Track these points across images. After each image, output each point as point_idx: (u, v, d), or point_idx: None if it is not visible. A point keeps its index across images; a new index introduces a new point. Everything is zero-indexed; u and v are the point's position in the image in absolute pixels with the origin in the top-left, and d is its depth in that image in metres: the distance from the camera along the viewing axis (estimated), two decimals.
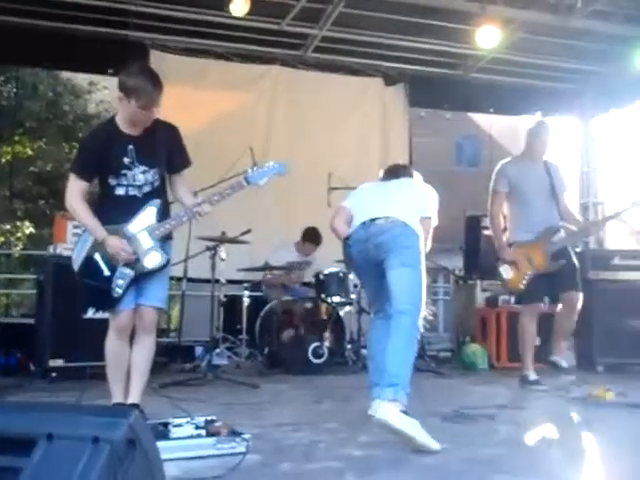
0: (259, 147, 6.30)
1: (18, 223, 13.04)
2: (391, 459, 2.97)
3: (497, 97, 9.42)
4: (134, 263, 3.49)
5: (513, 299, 6.29)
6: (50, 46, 7.42)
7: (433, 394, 4.86)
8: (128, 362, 3.61)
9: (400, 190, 4.04)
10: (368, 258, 3.78)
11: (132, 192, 3.52)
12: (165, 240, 3.64)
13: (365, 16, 7.48)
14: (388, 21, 7.61)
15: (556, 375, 5.25)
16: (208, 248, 6.00)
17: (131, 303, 3.54)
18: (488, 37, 7.13)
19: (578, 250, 7.38)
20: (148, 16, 7.37)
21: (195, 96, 7.79)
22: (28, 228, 12.99)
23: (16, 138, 12.20)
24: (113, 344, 3.58)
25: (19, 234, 13.24)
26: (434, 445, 3.03)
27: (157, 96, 3.45)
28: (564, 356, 5.38)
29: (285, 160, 3.99)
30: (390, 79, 8.86)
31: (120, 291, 3.48)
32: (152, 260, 3.54)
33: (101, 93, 11.59)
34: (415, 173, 4.36)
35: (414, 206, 3.87)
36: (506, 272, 5.37)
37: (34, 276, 6.98)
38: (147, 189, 3.55)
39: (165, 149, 3.61)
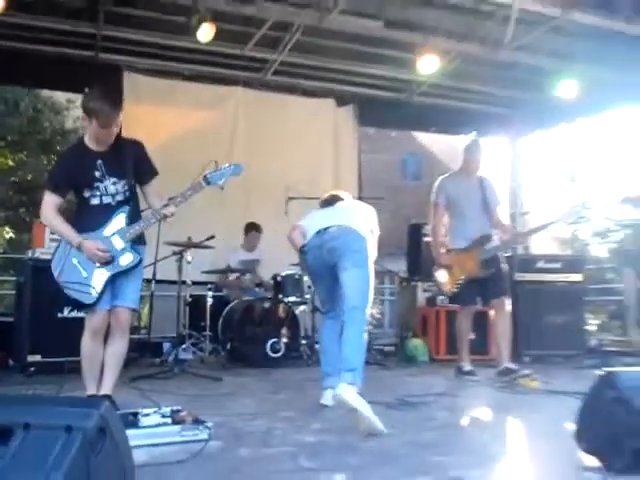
0: (223, 161, 6.20)
1: None
2: (340, 444, 2.99)
3: (437, 118, 9.54)
4: (109, 263, 3.47)
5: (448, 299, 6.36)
6: (30, 66, 7.26)
7: (378, 384, 4.89)
8: (101, 359, 3.57)
9: (347, 208, 4.32)
10: (322, 263, 3.92)
11: (106, 200, 3.54)
12: (138, 244, 3.65)
13: (319, 44, 7.51)
14: (340, 49, 7.66)
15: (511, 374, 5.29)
16: (175, 252, 5.98)
17: (106, 304, 3.52)
18: (429, 65, 7.21)
19: (507, 255, 7.55)
20: (120, 40, 7.28)
21: (165, 114, 7.74)
22: (8, 233, 12.72)
23: None
24: (88, 344, 3.56)
25: None
26: (381, 427, 3.10)
27: (115, 116, 3.46)
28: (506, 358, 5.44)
29: (244, 174, 4.05)
30: (341, 100, 8.89)
31: (96, 293, 3.45)
32: (126, 259, 3.55)
33: (78, 110, 11.39)
34: (347, 194, 4.62)
35: (361, 218, 4.09)
36: (441, 276, 5.46)
37: (13, 278, 6.82)
38: (120, 198, 3.57)
39: (132, 162, 3.62)
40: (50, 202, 3.50)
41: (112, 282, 3.52)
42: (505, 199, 10.17)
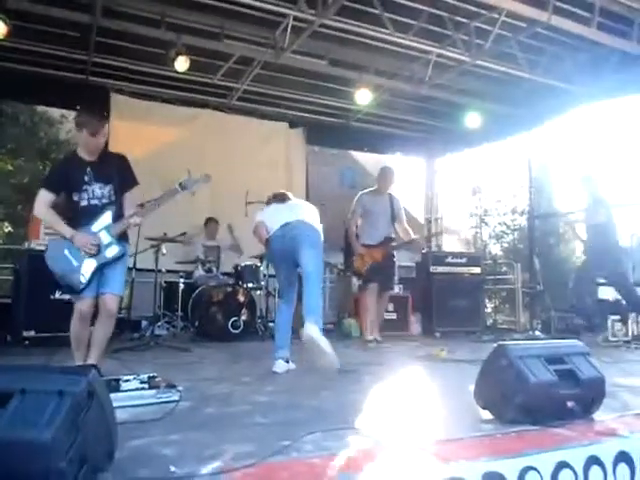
0: (194, 170, 6.08)
1: None
2: (288, 403, 2.97)
3: (369, 140, 9.63)
4: (97, 254, 3.37)
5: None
6: (29, 86, 7.00)
7: None
8: (88, 338, 3.47)
9: (298, 206, 4.34)
10: (284, 249, 3.98)
11: (93, 202, 3.45)
12: (122, 240, 3.53)
13: (276, 76, 7.49)
14: (293, 81, 7.66)
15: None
16: (153, 245, 5.85)
17: (93, 292, 3.40)
18: (364, 97, 7.29)
19: (423, 251, 7.70)
20: (108, 66, 7.08)
21: (145, 130, 7.55)
22: (7, 228, 12.25)
23: None
24: (77, 326, 3.42)
25: None
26: (337, 361, 3.37)
27: (101, 126, 3.43)
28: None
29: (212, 182, 4.07)
30: (293, 123, 8.87)
31: (85, 280, 3.34)
32: (111, 251, 3.44)
33: (70, 124, 11.04)
34: (291, 195, 4.61)
35: (311, 215, 4.19)
36: (356, 261, 5.90)
37: (11, 265, 6.53)
38: (105, 200, 3.47)
39: (116, 172, 3.53)
40: (43, 198, 3.40)
41: (100, 272, 3.41)
42: (422, 207, 10.41)
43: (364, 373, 4.00)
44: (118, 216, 3.49)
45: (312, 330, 3.45)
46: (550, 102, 7.68)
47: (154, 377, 3.01)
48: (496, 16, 5.90)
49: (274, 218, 4.17)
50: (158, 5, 5.68)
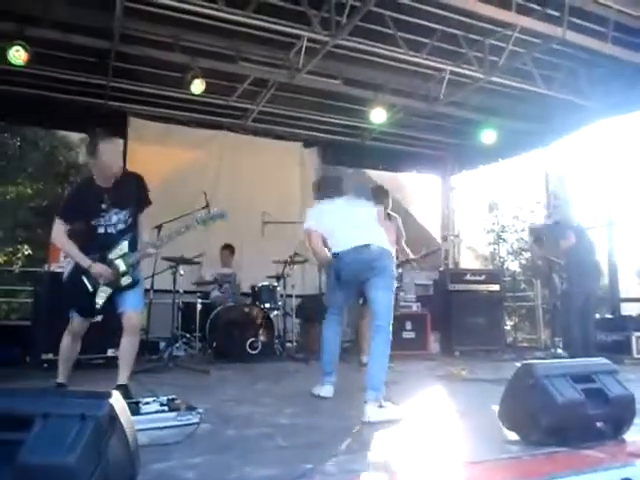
0: (209, 191, 6.20)
1: (19, 246, 12.51)
2: (309, 425, 2.94)
3: (385, 158, 9.62)
4: (113, 282, 3.44)
5: None
6: (48, 111, 7.17)
7: (344, 376, 4.83)
8: (76, 355, 3.63)
9: (364, 215, 3.78)
10: (356, 275, 3.56)
11: (109, 230, 3.50)
12: (136, 266, 3.57)
13: (291, 97, 7.57)
14: (307, 101, 7.73)
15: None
16: (171, 267, 5.87)
17: (100, 316, 3.55)
18: (378, 116, 7.32)
19: (441, 269, 7.63)
20: (126, 90, 7.21)
21: (162, 152, 7.65)
22: (27, 250, 12.46)
23: (19, 180, 11.81)
24: (69, 342, 3.56)
25: (19, 255, 12.67)
26: (401, 414, 3.12)
27: (117, 149, 3.59)
28: None
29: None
30: (308, 143, 8.93)
31: (99, 306, 3.43)
32: (126, 280, 3.49)
33: None
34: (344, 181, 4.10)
35: (380, 229, 3.70)
36: None
37: (31, 288, 6.60)
38: (121, 227, 3.52)
39: (133, 193, 3.58)
40: (60, 229, 3.46)
41: (118, 294, 3.48)
42: (438, 224, 10.35)
43: (389, 393, 3.93)
44: (134, 239, 3.55)
45: (373, 414, 3.02)
46: (566, 117, 7.64)
47: (174, 399, 2.99)
48: (510, 33, 5.91)
49: (338, 227, 3.69)
50: (174, 29, 5.79)
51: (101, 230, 3.48)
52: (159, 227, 5.42)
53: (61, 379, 3.59)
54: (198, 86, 6.08)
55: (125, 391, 3.28)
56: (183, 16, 5.53)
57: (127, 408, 1.73)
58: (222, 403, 3.48)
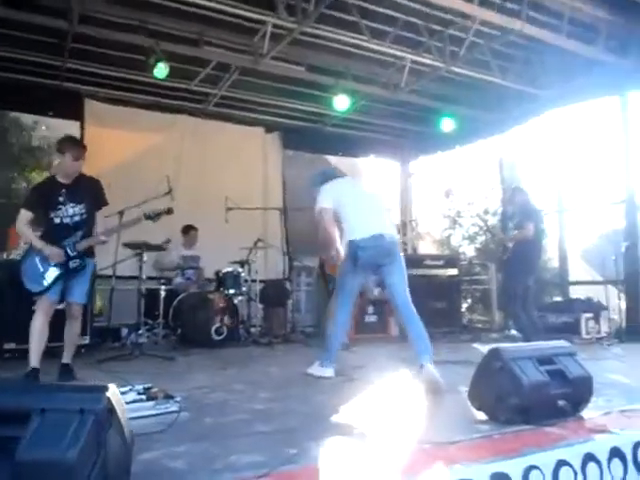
0: (172, 176, 6.12)
1: None
2: (285, 410, 3.00)
3: (344, 144, 9.69)
4: (62, 264, 3.82)
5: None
6: (1, 91, 6.83)
7: (307, 360, 4.90)
8: (47, 337, 3.82)
9: (376, 201, 4.06)
10: (373, 260, 3.81)
11: (65, 221, 3.90)
12: (87, 255, 3.95)
13: (253, 82, 7.47)
14: (270, 87, 7.66)
15: None
16: (137, 253, 5.73)
17: (55, 295, 3.83)
18: (340, 102, 7.34)
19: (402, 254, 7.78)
20: (82, 72, 6.95)
21: (122, 137, 7.43)
22: None
23: None
24: (40, 321, 3.78)
25: None
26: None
27: (83, 152, 3.93)
28: None
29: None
30: (269, 128, 8.87)
31: (47, 283, 3.78)
32: (74, 263, 3.86)
33: (43, 130, 10.75)
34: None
35: (391, 219, 4.15)
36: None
37: None
38: (77, 219, 3.92)
39: (89, 194, 3.98)
40: (24, 218, 3.85)
41: (65, 281, 3.87)
42: (397, 209, 10.53)
43: (352, 376, 4.03)
44: (87, 233, 3.92)
45: (434, 371, 3.44)
46: (520, 106, 7.89)
47: (150, 388, 2.99)
48: (470, 24, 6.03)
49: (352, 213, 3.84)
50: (137, 12, 5.62)
51: (57, 220, 3.87)
52: (121, 212, 5.30)
53: (34, 363, 3.74)
54: (162, 70, 5.94)
55: (67, 369, 3.94)
56: None
57: (122, 400, 1.74)
58: (195, 390, 3.48)
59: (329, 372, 3.91)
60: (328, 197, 3.94)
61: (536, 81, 7.22)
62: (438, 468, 1.94)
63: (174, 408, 2.77)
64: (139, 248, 5.67)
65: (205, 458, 2.10)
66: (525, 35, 5.97)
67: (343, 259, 3.89)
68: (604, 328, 6.33)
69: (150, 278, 6.53)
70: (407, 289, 3.83)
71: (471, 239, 14.11)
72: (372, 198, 4.04)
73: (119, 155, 7.03)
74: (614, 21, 6.01)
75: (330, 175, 4.22)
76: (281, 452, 2.13)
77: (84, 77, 7.07)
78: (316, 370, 3.93)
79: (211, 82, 7.47)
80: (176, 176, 7.24)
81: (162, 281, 6.62)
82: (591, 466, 2.10)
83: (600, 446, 2.20)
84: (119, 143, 7.28)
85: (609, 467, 2.14)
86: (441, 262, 7.67)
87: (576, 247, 8.22)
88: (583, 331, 6.19)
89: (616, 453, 2.18)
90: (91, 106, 7.32)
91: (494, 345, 2.75)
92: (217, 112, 8.26)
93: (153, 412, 2.73)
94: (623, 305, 6.60)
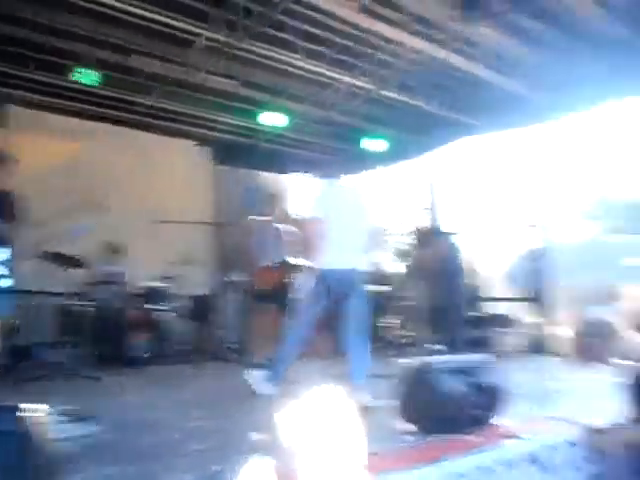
0: (98, 187, 5.94)
1: None
2: (217, 428, 2.96)
3: (277, 161, 9.71)
4: None
5: None
6: None
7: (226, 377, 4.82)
8: None
9: (358, 221, 4.08)
10: (342, 290, 3.95)
11: None
12: None
13: (185, 94, 7.32)
14: (202, 99, 7.55)
15: None
16: (62, 265, 5.45)
17: None
18: (275, 119, 7.41)
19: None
20: (4, 74, 6.59)
21: (46, 144, 7.10)
22: None
23: None
24: None
25: None
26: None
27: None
28: None
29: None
30: (199, 142, 8.77)
31: None
32: None
33: None
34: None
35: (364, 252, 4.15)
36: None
37: None
38: None
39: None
40: None
41: None
42: None
43: (286, 393, 4.02)
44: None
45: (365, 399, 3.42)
46: (444, 130, 8.32)
47: (71, 409, 2.87)
48: (399, 50, 6.30)
49: (332, 239, 3.86)
50: (66, 16, 5.43)
51: None
52: (43, 223, 5.06)
53: None
54: (91, 77, 5.76)
55: None
56: (79, 3, 5.23)
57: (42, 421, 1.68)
58: (123, 410, 3.40)
59: (270, 389, 3.93)
60: (319, 206, 4.05)
61: (458, 109, 7.63)
62: (363, 478, 2.00)
63: (92, 428, 2.67)
64: (56, 260, 5.41)
65: (139, 478, 2.05)
66: (450, 64, 6.30)
67: (311, 284, 4.01)
68: (515, 341, 6.80)
69: (70, 294, 6.25)
70: (366, 319, 4.00)
71: (403, 257, 14.49)
72: (355, 217, 4.07)
73: (40, 162, 6.70)
74: (532, 58, 6.45)
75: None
76: (209, 470, 2.12)
77: (9, 80, 6.70)
78: (259, 386, 3.96)
79: (142, 91, 7.29)
80: (103, 186, 7.07)
81: (82, 296, 6.34)
82: (504, 470, 2.24)
83: (513, 451, 2.36)
84: (45, 150, 6.96)
85: (521, 470, 2.30)
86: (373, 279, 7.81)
87: (499, 266, 8.75)
88: (494, 344, 6.58)
89: (527, 457, 2.35)
90: (14, 111, 6.97)
91: (419, 359, 2.88)
92: (147, 122, 8.04)
93: (74, 434, 2.62)
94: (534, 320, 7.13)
